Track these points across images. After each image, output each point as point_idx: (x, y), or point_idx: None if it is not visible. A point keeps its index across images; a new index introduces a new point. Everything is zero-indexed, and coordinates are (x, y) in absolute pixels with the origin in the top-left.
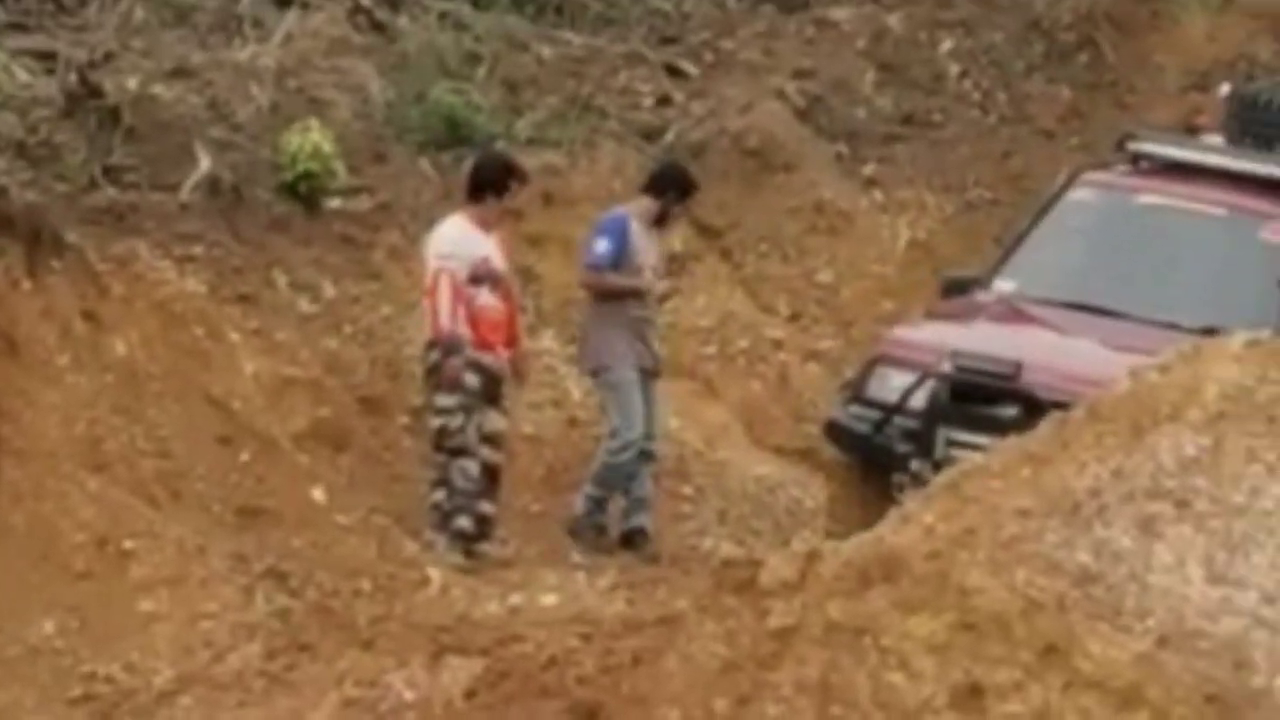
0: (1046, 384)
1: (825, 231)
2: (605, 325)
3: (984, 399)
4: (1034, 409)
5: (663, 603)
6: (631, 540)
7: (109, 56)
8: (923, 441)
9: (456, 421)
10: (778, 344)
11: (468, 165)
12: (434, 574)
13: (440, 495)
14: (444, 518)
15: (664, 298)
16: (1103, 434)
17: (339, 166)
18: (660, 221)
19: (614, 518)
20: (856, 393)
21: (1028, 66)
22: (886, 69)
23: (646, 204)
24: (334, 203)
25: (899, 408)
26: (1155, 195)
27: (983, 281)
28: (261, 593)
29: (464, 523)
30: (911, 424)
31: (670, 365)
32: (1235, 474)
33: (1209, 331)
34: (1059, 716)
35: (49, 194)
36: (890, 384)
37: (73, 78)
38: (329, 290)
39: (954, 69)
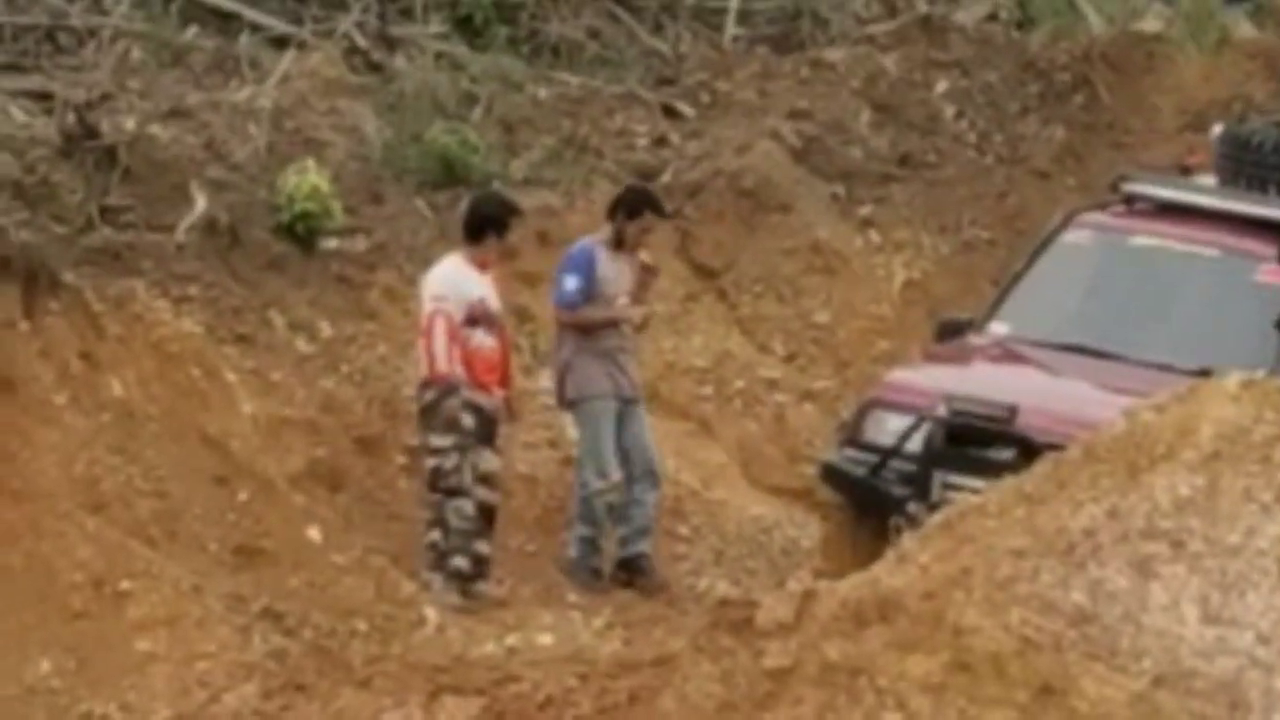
0: (1042, 427)
1: (821, 271)
2: (582, 357)
3: (980, 442)
4: (1030, 452)
5: (659, 642)
6: (631, 567)
7: (106, 97)
8: (919, 485)
9: (451, 462)
10: (773, 384)
11: (463, 207)
12: (430, 614)
13: (436, 535)
14: (440, 557)
15: (641, 325)
16: (1098, 474)
17: (336, 207)
18: (619, 245)
19: (609, 554)
20: (852, 436)
21: (1023, 107)
22: (882, 110)
23: (606, 229)
24: (330, 243)
25: (895, 451)
26: (1149, 236)
27: (977, 324)
28: (258, 633)
29: (460, 562)
30: (908, 467)
31: (666, 405)
32: (1231, 514)
33: (1204, 373)
34: None
35: (46, 234)
36: (886, 427)
37: (70, 118)
38: (326, 330)
39: (949, 110)
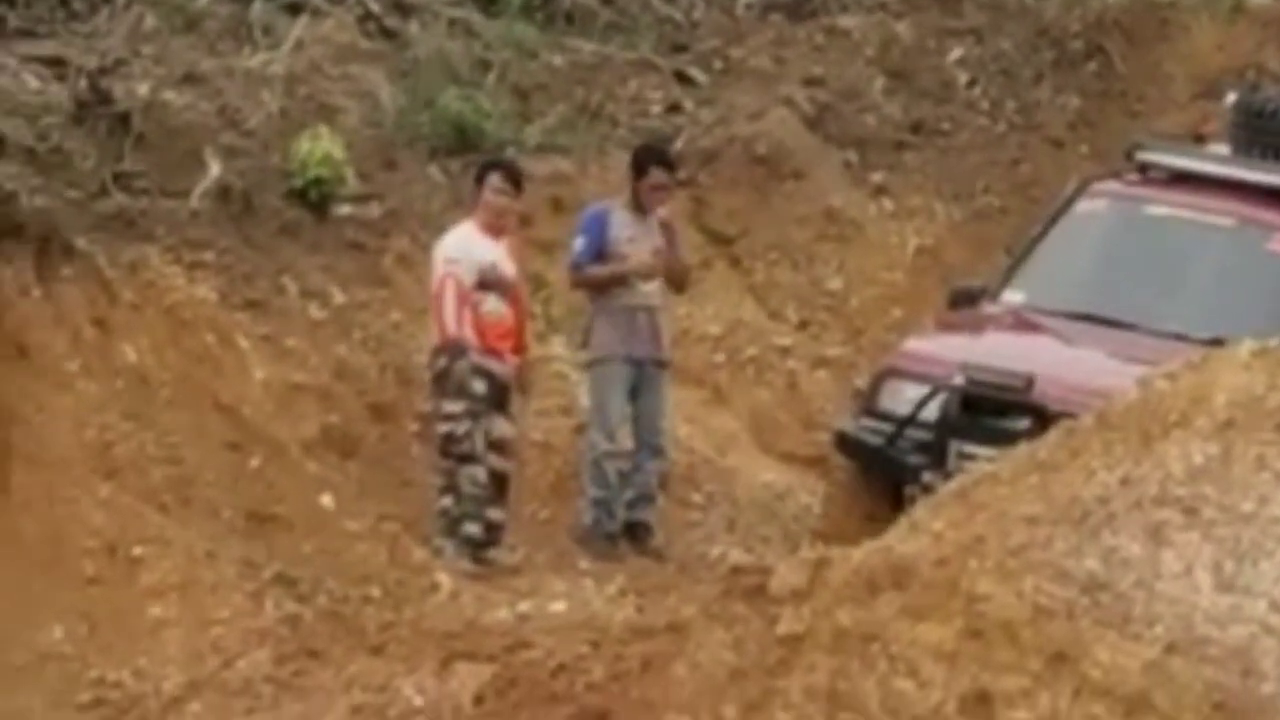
0: (1058, 396)
1: (834, 239)
2: (599, 319)
3: (996, 411)
4: (1046, 421)
5: (671, 609)
6: (634, 532)
7: (119, 63)
8: (935, 454)
9: (463, 428)
10: (786, 351)
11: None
12: (443, 580)
13: (448, 501)
14: (452, 524)
15: (648, 275)
16: (1111, 442)
17: (349, 173)
18: (639, 207)
19: (620, 516)
20: (867, 405)
21: (1037, 74)
22: (895, 77)
23: (626, 192)
24: (344, 209)
25: (911, 420)
26: (1163, 206)
27: (991, 292)
28: (271, 599)
29: (473, 529)
30: (924, 436)
31: (679, 372)
32: (1244, 482)
33: (1217, 343)
34: None
35: (59, 200)
36: (902, 396)
37: (83, 84)
38: (338, 297)
39: (963, 77)
